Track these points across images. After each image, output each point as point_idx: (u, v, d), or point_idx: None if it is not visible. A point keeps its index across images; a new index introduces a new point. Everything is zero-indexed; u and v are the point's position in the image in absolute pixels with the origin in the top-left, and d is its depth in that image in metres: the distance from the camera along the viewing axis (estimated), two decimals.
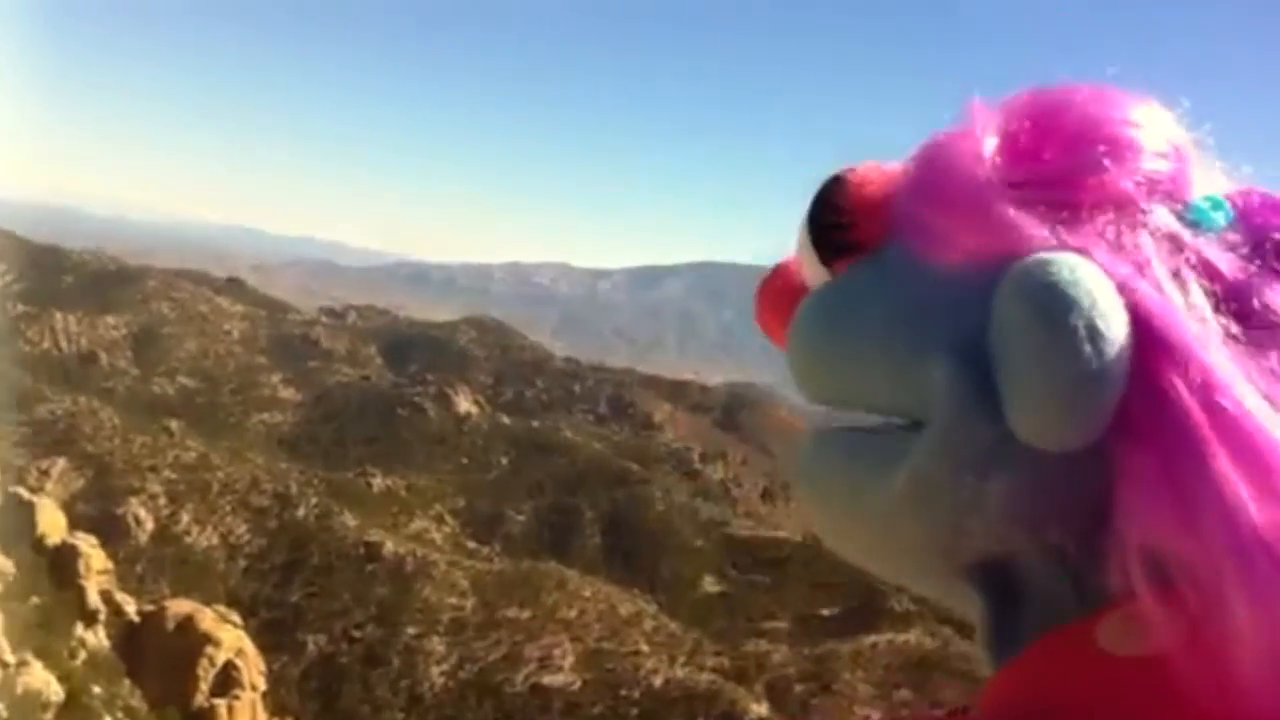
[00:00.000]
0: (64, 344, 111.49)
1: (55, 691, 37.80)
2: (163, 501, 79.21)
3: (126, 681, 44.53)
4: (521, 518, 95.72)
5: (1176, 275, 0.69)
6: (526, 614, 71.55)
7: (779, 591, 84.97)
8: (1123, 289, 0.67)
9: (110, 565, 51.98)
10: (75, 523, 55.21)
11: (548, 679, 66.54)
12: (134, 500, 77.84)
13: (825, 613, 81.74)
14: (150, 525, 77.00)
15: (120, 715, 41.79)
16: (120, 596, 50.68)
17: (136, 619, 50.04)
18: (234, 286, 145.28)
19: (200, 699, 46.69)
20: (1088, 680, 0.67)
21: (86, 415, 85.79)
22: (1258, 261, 0.71)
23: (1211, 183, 0.77)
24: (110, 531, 66.12)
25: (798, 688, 68.27)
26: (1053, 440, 0.67)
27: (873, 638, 73.09)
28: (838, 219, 0.81)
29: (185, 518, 78.91)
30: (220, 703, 46.48)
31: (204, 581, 71.39)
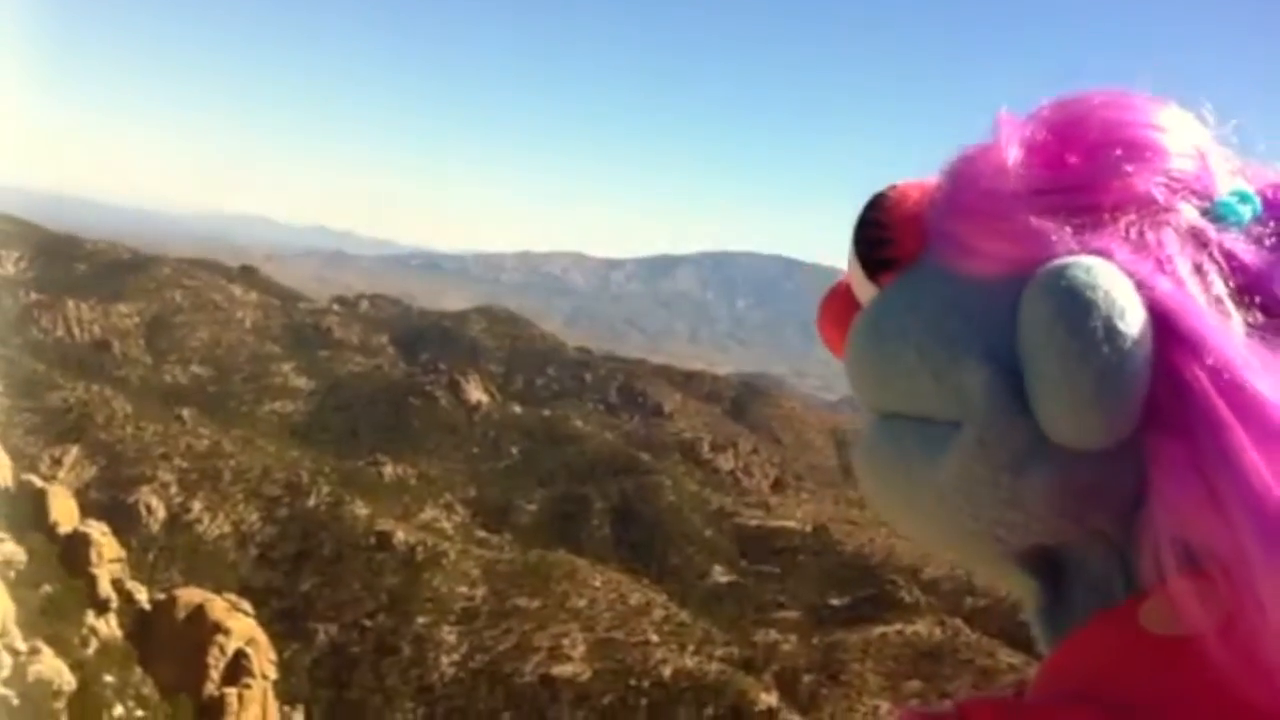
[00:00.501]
0: (77, 332, 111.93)
1: (67, 679, 37.97)
2: (174, 490, 79.54)
3: (138, 669, 44.70)
4: (532, 507, 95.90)
5: (1198, 269, 0.71)
6: (536, 603, 71.71)
7: (788, 581, 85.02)
8: (1141, 286, 0.69)
9: (122, 553, 52.19)
10: (87, 510, 55.44)
11: (557, 668, 66.68)
12: (146, 488, 78.19)
13: (834, 603, 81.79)
14: (162, 513, 77.33)
15: (131, 703, 41.97)
16: (132, 585, 50.87)
17: (148, 607, 50.23)
18: (247, 275, 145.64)
19: (211, 687, 46.83)
20: (1130, 660, 0.69)
21: (99, 403, 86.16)
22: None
23: (1238, 178, 0.78)
24: (122, 519, 66.46)
25: (807, 678, 68.33)
26: (1081, 439, 0.69)
27: (881, 628, 73.08)
28: (880, 235, 0.85)
29: (197, 506, 79.23)
30: (231, 691, 46.61)
31: (215, 570, 71.68)
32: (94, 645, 43.84)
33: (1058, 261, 0.71)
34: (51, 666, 37.79)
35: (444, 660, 67.95)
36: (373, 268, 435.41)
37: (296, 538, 78.38)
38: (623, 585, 75.34)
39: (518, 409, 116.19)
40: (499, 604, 71.62)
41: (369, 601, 72.54)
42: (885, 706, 64.77)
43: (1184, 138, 0.78)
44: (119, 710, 40.75)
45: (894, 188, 0.87)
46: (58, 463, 76.19)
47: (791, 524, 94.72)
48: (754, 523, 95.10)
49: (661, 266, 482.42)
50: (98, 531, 49.68)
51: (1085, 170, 0.77)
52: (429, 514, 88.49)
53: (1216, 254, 0.72)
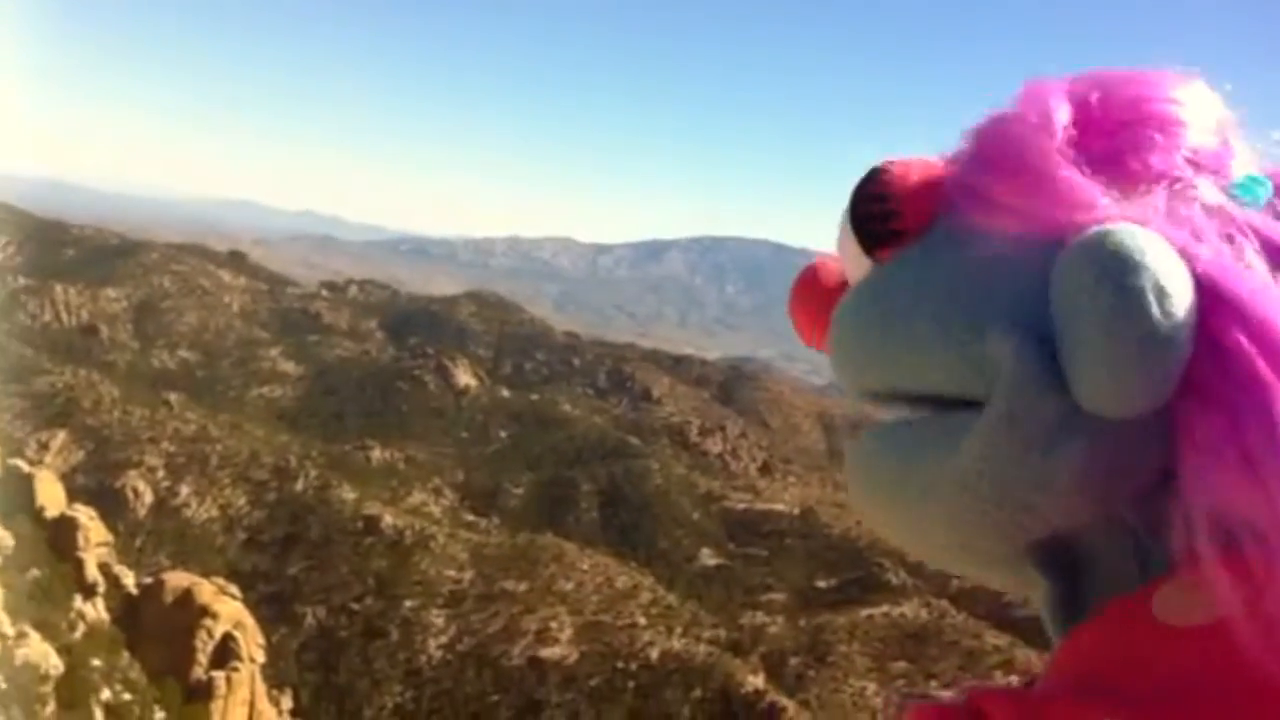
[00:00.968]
0: (65, 317, 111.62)
1: (54, 663, 38.00)
2: (162, 474, 79.54)
3: (125, 653, 44.73)
4: (520, 491, 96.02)
5: (1231, 240, 0.71)
6: (524, 586, 71.90)
7: (776, 564, 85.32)
8: (1184, 254, 0.68)
9: (109, 537, 52.20)
10: (74, 495, 55.41)
11: (545, 651, 66.90)
12: (133, 473, 78.17)
13: (822, 585, 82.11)
14: (149, 498, 77.32)
15: (119, 687, 42.03)
16: (119, 569, 50.87)
17: (135, 591, 50.25)
18: (235, 260, 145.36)
19: (199, 671, 46.89)
20: (1143, 651, 0.67)
21: (86, 388, 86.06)
22: None
23: (1250, 162, 0.78)
24: (109, 504, 66.49)
25: (794, 660, 68.65)
26: (1122, 407, 0.67)
27: (869, 610, 73.44)
28: (880, 209, 0.82)
29: (184, 490, 79.25)
30: (219, 675, 46.66)
31: (203, 554, 71.79)
32: (81, 629, 43.85)
33: (1101, 226, 0.69)
34: (39, 650, 37.80)
35: (432, 643, 68.12)
36: (361, 252, 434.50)
37: (284, 522, 78.46)
38: (610, 568, 75.57)
39: (506, 393, 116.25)
40: (487, 587, 71.80)
41: (357, 585, 72.69)
42: (872, 688, 65.17)
43: (1208, 115, 0.78)
44: (106, 694, 40.80)
45: (892, 161, 0.84)
46: (45, 447, 76.10)
47: (779, 507, 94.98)
48: (742, 506, 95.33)
49: (650, 251, 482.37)
50: (85, 516, 49.64)
51: (1115, 143, 0.76)
52: (417, 498, 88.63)
53: (1245, 228, 0.72)
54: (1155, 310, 0.65)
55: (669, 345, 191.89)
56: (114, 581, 49.24)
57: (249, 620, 50.90)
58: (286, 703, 53.52)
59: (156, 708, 43.12)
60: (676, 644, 67.22)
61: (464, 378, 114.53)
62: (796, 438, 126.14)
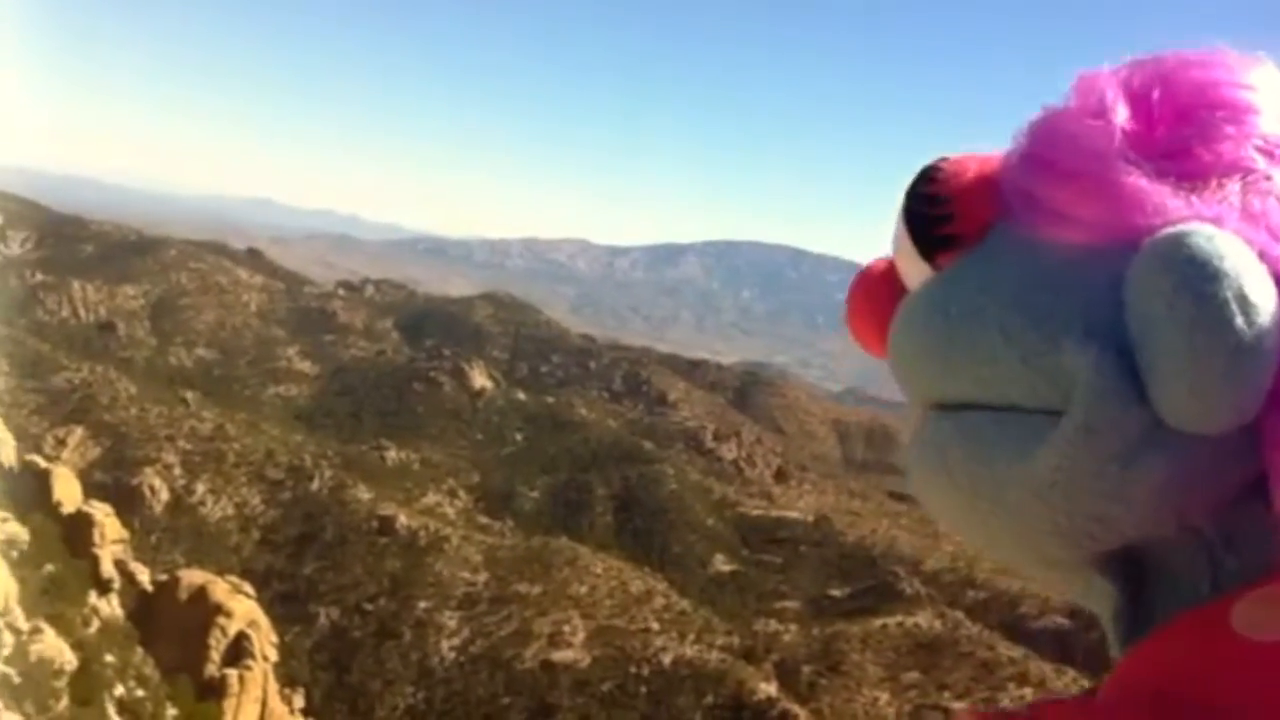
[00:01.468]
0: (82, 313, 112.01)
1: (68, 659, 38.08)
2: (178, 472, 79.66)
3: (139, 650, 44.80)
4: (534, 494, 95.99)
5: None
6: (538, 589, 71.82)
7: (790, 572, 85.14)
8: (1263, 256, 0.65)
9: (125, 534, 52.25)
10: (90, 491, 55.49)
11: (558, 655, 66.79)
12: (149, 470, 78.29)
13: (835, 594, 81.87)
14: (165, 495, 77.44)
15: (132, 683, 42.09)
16: (134, 565, 50.97)
17: (150, 588, 50.34)
18: (253, 258, 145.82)
19: (212, 668, 46.95)
20: (1221, 665, 0.64)
21: (103, 384, 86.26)
22: None
23: None
24: (125, 500, 66.58)
25: (806, 668, 68.42)
26: (1207, 423, 0.64)
27: (882, 620, 73.15)
28: (936, 211, 0.79)
29: (200, 488, 79.38)
30: (232, 672, 46.71)
31: (218, 552, 71.91)
32: (96, 625, 43.93)
33: (1175, 229, 0.65)
34: (53, 646, 37.88)
35: (445, 645, 68.08)
36: (378, 252, 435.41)
37: (299, 521, 78.54)
38: (624, 573, 75.43)
39: (521, 395, 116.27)
40: (500, 590, 71.74)
41: (370, 585, 72.70)
42: (884, 697, 64.92)
43: (1278, 98, 0.74)
44: (120, 690, 40.88)
45: (946, 159, 0.80)
46: (62, 443, 76.30)
47: (793, 514, 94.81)
48: (756, 512, 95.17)
49: (667, 255, 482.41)
50: (101, 512, 49.71)
51: (1184, 134, 0.72)
52: (431, 499, 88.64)
53: None
54: (1239, 321, 0.62)
55: (685, 349, 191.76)
56: (129, 578, 49.33)
57: (263, 619, 50.94)
58: (299, 701, 53.52)
59: (169, 704, 43.16)
60: (689, 650, 67.06)
61: (479, 379, 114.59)
62: (811, 444, 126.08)
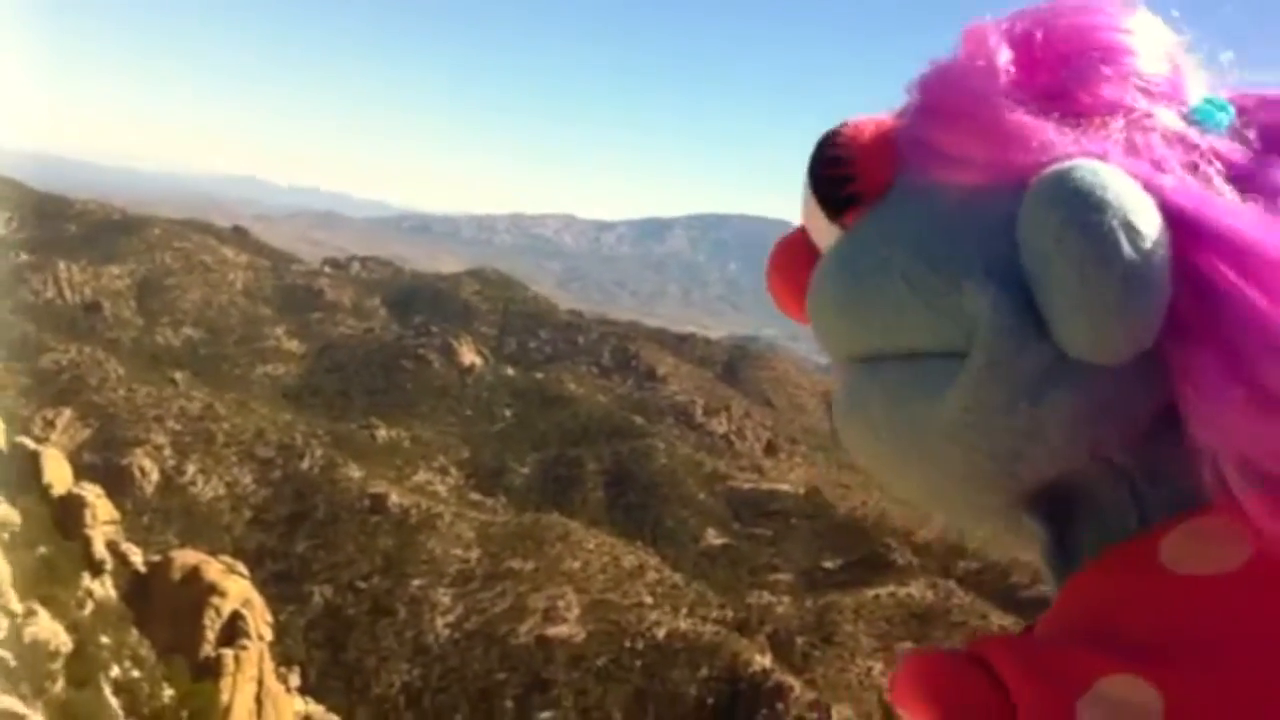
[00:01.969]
0: (68, 293, 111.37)
1: (63, 640, 37.98)
2: (168, 452, 79.46)
3: (134, 631, 44.72)
4: (525, 470, 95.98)
5: (1194, 168, 0.69)
6: (531, 565, 71.89)
7: (781, 544, 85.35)
8: (1147, 186, 0.66)
9: (116, 515, 52.07)
10: (81, 473, 55.27)
11: (552, 630, 66.94)
12: (139, 451, 78.07)
13: (828, 565, 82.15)
14: (156, 476, 77.27)
15: (128, 664, 42.04)
16: (126, 546, 50.82)
17: (143, 569, 50.22)
18: (238, 236, 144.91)
19: (207, 648, 46.87)
20: (1149, 599, 0.65)
21: (91, 365, 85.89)
22: (1270, 153, 0.71)
23: (1204, 87, 0.76)
24: (116, 482, 66.28)
25: (799, 639, 68.74)
26: (1107, 352, 0.65)
27: (874, 590, 73.48)
28: (839, 172, 0.80)
29: (191, 468, 79.20)
30: (227, 652, 46.61)
31: (210, 532, 71.77)
32: (90, 607, 43.81)
33: (1059, 165, 0.67)
34: (48, 628, 37.77)
35: (439, 622, 68.17)
36: (364, 229, 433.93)
37: (290, 500, 78.44)
38: (616, 548, 75.55)
39: (510, 372, 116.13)
40: (493, 566, 71.79)
41: (363, 564, 72.70)
42: (878, 667, 65.21)
43: (1156, 42, 0.76)
44: (115, 671, 40.81)
45: (844, 123, 0.82)
46: (50, 425, 75.97)
47: (785, 487, 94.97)
48: (747, 486, 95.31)
49: (653, 229, 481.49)
50: (92, 494, 49.49)
51: (1060, 77, 0.74)
52: (422, 476, 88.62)
53: (1209, 154, 0.70)
54: (1127, 249, 0.63)
55: (673, 323, 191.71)
56: (122, 559, 49.20)
57: (257, 598, 50.88)
58: (294, 680, 53.53)
59: (165, 685, 43.10)
60: (683, 623, 67.26)
61: (468, 356, 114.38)
62: (801, 417, 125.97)
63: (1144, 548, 0.67)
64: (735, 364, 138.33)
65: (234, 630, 48.10)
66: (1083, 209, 0.64)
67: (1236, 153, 0.70)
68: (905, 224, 0.76)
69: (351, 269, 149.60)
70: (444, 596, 69.76)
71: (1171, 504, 0.69)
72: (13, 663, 35.20)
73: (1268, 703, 0.59)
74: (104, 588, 46.45)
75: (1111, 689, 0.61)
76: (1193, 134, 0.71)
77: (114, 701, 39.45)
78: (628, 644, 65.70)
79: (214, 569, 50.12)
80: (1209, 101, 0.74)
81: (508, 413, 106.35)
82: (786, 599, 74.72)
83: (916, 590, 73.35)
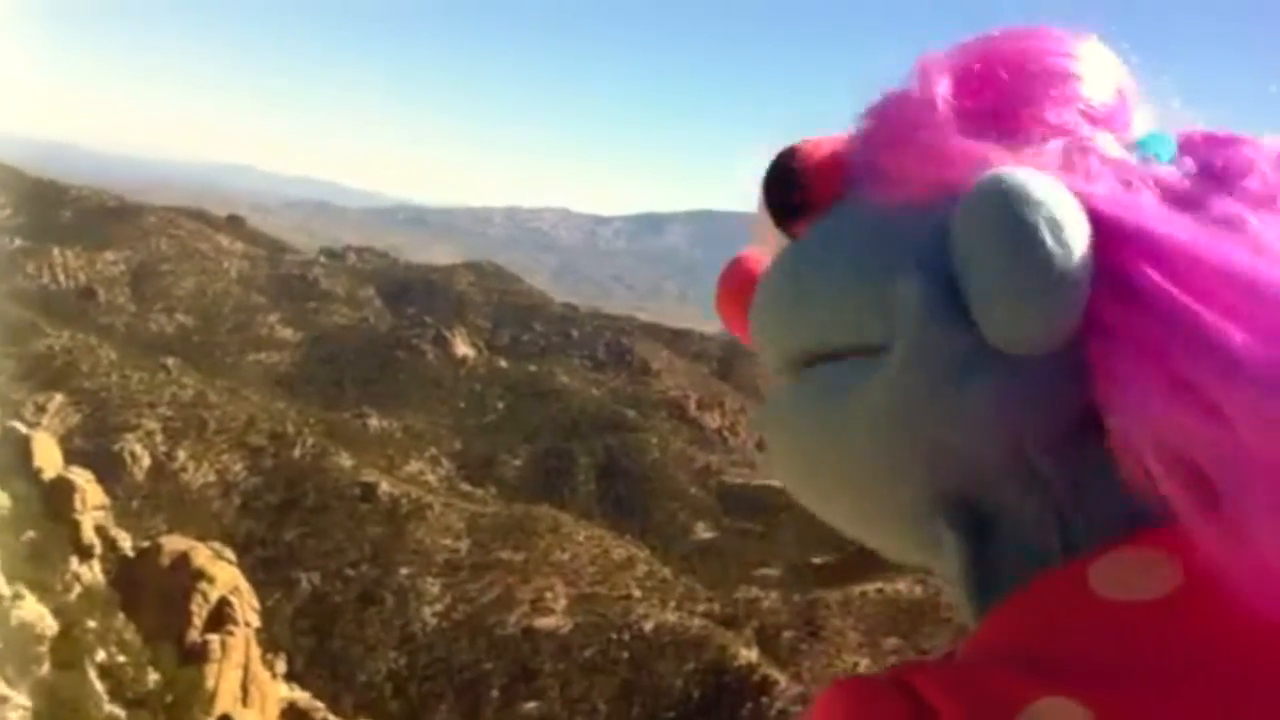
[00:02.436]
0: (62, 279, 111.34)
1: (49, 624, 38.05)
2: (159, 438, 79.49)
3: (121, 615, 44.85)
4: (517, 461, 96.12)
5: (1128, 185, 0.70)
6: (520, 556, 72.00)
7: (771, 539, 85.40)
8: (1078, 194, 0.67)
9: (106, 500, 52.17)
10: (71, 458, 55.33)
11: (539, 621, 67.09)
12: (130, 436, 78.12)
13: (816, 561, 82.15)
14: (146, 461, 77.31)
15: (114, 649, 42.12)
16: (115, 532, 50.93)
17: (131, 554, 50.31)
18: (233, 225, 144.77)
19: (194, 634, 46.94)
20: (1082, 626, 0.65)
21: (84, 351, 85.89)
22: (1209, 184, 0.71)
23: (1148, 122, 0.77)
24: (106, 467, 66.36)
25: (787, 634, 68.86)
26: (1024, 341, 0.66)
27: (862, 586, 73.53)
28: (790, 179, 0.82)
29: (182, 455, 79.23)
30: (214, 638, 46.71)
31: (199, 518, 71.78)
32: (77, 591, 43.94)
33: (994, 170, 0.68)
34: (34, 611, 37.86)
35: (426, 611, 68.31)
36: (359, 220, 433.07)
37: (281, 488, 78.49)
38: (606, 540, 75.67)
39: (504, 363, 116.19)
40: (482, 556, 71.91)
41: (352, 552, 72.80)
42: (864, 663, 65.29)
43: (1104, 71, 0.77)
44: (101, 655, 40.90)
45: (804, 140, 0.84)
46: (42, 409, 75.99)
47: (775, 482, 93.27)
48: (738, 481, 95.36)
49: (650, 224, 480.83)
50: (82, 478, 49.61)
51: (1007, 96, 0.75)
52: (414, 466, 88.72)
53: (1146, 179, 0.71)
54: (1049, 241, 0.64)
55: (668, 319, 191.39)
56: (110, 544, 49.32)
57: (244, 585, 50.96)
58: (281, 667, 53.70)
59: (151, 670, 43.21)
60: (671, 617, 67.42)
61: (462, 347, 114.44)
62: None
63: (1073, 574, 0.67)
64: (730, 360, 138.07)
65: (221, 616, 48.18)
66: (1011, 204, 0.66)
67: (1176, 180, 0.71)
68: (847, 230, 0.78)
69: (347, 259, 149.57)
70: (432, 586, 69.90)
71: (1096, 530, 0.69)
72: None
73: None
74: (92, 572, 46.57)
75: (1043, 713, 0.60)
76: (1131, 160, 0.72)
77: (99, 685, 39.54)
78: (615, 636, 65.86)
79: (202, 555, 50.19)
80: (1151, 136, 0.75)
81: (500, 404, 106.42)
82: (774, 594, 74.80)
83: (905, 586, 73.36)
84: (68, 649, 38.22)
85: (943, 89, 0.75)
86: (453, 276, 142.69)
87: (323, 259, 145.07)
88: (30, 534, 43.59)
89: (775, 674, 62.27)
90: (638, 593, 69.80)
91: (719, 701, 61.58)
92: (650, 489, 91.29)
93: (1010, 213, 0.65)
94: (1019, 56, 0.77)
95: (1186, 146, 0.75)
